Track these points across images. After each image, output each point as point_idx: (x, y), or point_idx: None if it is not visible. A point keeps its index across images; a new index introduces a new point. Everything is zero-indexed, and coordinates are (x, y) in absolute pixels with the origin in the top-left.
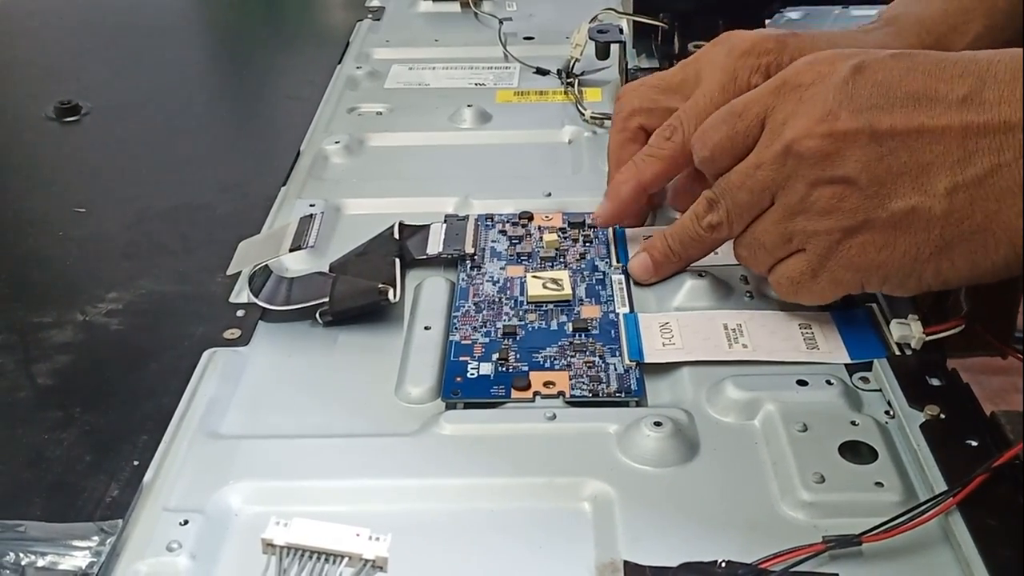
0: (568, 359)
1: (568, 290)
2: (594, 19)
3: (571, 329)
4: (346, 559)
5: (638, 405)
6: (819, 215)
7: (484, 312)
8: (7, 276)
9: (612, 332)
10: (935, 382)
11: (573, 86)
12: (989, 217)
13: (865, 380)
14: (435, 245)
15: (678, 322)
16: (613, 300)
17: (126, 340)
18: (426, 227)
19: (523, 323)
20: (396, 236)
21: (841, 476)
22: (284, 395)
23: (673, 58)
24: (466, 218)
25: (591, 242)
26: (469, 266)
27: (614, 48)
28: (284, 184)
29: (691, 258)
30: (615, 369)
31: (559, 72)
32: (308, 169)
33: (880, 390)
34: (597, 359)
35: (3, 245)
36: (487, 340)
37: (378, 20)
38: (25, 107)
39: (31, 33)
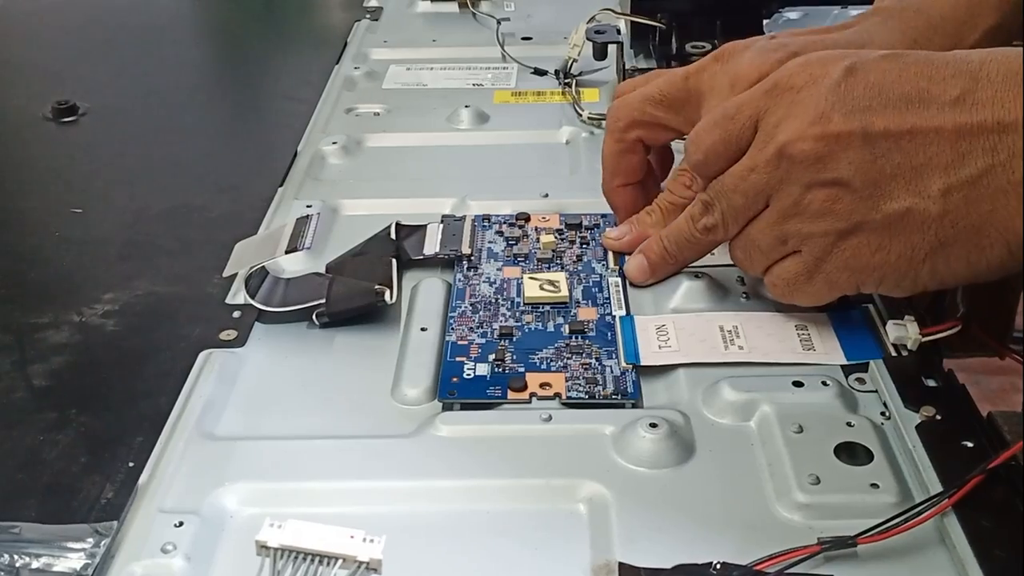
0: (564, 361)
1: (565, 292)
2: (592, 19)
3: (568, 331)
4: (340, 561)
5: (634, 407)
6: (813, 217)
7: (481, 313)
8: (3, 276)
9: (608, 334)
10: (931, 383)
11: (571, 86)
12: (984, 217)
13: (861, 381)
14: (432, 246)
15: (674, 324)
16: (610, 302)
17: (122, 341)
18: (423, 228)
19: (520, 324)
20: (393, 237)
21: (837, 477)
22: (280, 396)
23: (671, 58)
24: (463, 219)
25: (588, 244)
26: (466, 267)
27: (612, 48)
28: (281, 185)
29: (687, 260)
30: (611, 371)
31: (557, 72)
32: (305, 170)
33: (876, 391)
34: (593, 361)
35: None
36: (483, 341)
37: (376, 20)
38: (23, 107)
39: (29, 33)
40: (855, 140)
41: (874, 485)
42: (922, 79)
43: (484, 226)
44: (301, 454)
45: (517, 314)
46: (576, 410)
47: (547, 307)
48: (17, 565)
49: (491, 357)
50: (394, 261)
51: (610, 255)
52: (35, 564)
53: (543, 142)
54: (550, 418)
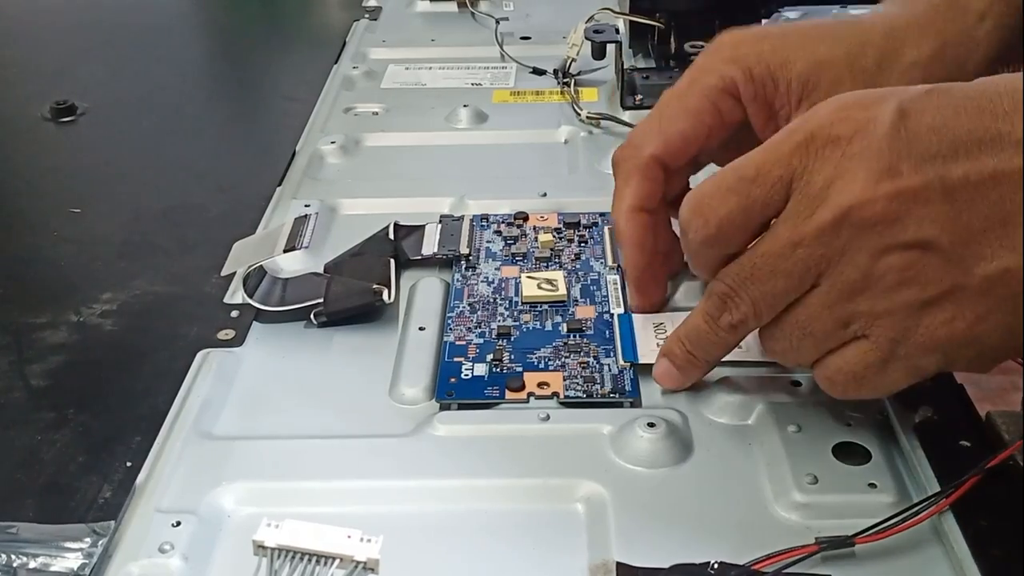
0: (562, 360)
1: (563, 291)
2: (590, 19)
3: (566, 330)
4: (337, 561)
5: (632, 406)
6: (888, 290)
7: (479, 313)
8: (1, 276)
9: (607, 333)
10: (928, 383)
11: (569, 86)
12: None
13: None
14: (430, 246)
15: (673, 322)
16: (608, 301)
17: (120, 341)
18: (421, 227)
19: (518, 324)
20: (391, 237)
21: (835, 477)
22: (278, 396)
23: (670, 58)
24: (461, 218)
25: (586, 242)
26: (464, 267)
27: (610, 48)
28: (279, 184)
29: (717, 358)
30: (609, 370)
31: (555, 72)
32: (304, 169)
33: None
34: (591, 360)
35: None
36: (481, 341)
37: (375, 20)
38: (21, 107)
39: (28, 33)
40: (934, 194)
41: (872, 485)
42: (984, 116)
43: (482, 226)
44: (299, 454)
45: (515, 313)
46: (574, 409)
47: (545, 306)
48: (14, 565)
49: (489, 357)
50: (392, 261)
51: (608, 253)
52: (32, 564)
53: (541, 142)
54: (548, 417)
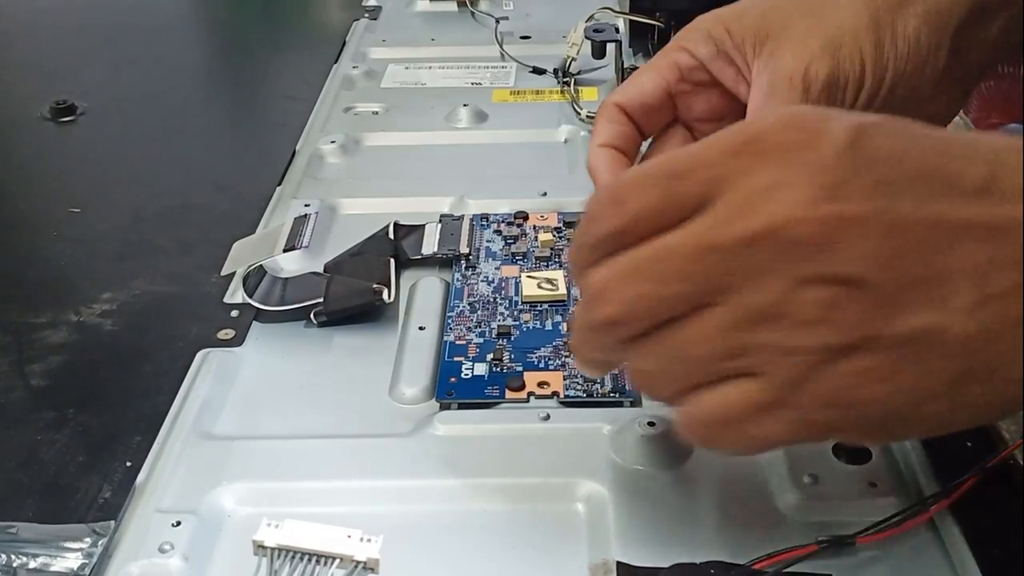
0: (563, 359)
1: (563, 290)
2: (590, 18)
3: (566, 329)
4: (337, 560)
5: (632, 405)
6: (800, 326)
7: (479, 312)
8: (1, 276)
9: None
10: None
11: (569, 85)
12: (1015, 345)
13: None
14: (430, 245)
15: None
16: None
17: (120, 340)
18: (421, 227)
19: (518, 323)
20: (391, 236)
21: (835, 476)
22: (278, 396)
23: None
24: (461, 218)
25: None
26: (464, 266)
27: (610, 47)
28: (279, 184)
29: (601, 362)
30: None
31: (555, 71)
32: (304, 169)
33: None
34: None
35: None
36: (481, 340)
37: (375, 19)
38: (21, 107)
39: (27, 33)
40: (877, 227)
41: (872, 484)
42: (934, 154)
43: (482, 225)
44: (299, 454)
45: (515, 313)
46: (574, 409)
47: (545, 306)
48: (14, 565)
49: (489, 357)
50: (392, 260)
51: None
52: (32, 564)
53: (541, 141)
54: (548, 417)
